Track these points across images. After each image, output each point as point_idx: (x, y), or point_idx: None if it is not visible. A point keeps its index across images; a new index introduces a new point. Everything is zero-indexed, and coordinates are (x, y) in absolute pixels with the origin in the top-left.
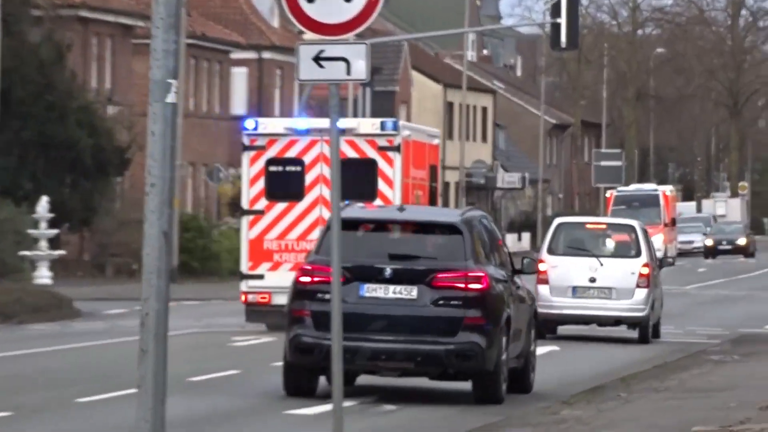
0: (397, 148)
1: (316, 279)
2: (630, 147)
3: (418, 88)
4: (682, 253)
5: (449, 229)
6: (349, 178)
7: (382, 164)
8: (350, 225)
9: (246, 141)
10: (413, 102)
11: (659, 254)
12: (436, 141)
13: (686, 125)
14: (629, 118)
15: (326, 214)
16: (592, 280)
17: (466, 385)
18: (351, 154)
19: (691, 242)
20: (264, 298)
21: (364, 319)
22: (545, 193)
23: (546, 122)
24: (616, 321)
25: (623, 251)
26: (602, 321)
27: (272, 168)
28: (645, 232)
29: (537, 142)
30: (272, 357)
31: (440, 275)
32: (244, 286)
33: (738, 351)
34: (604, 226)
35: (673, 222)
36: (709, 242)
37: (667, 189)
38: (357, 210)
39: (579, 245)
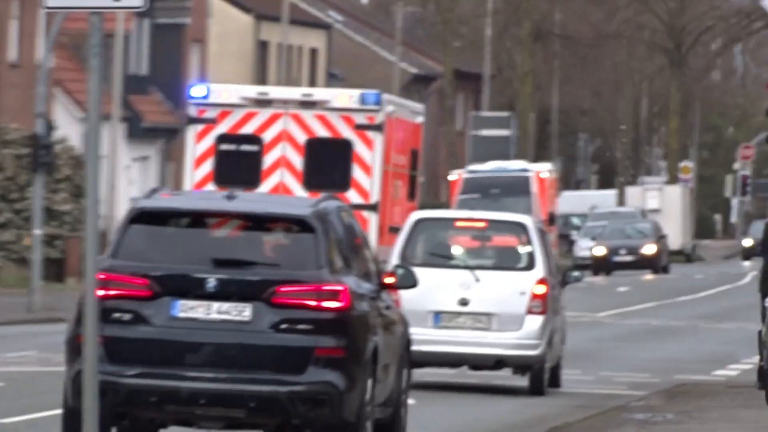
0: (378, 127)
1: (112, 293)
2: (524, 109)
3: (219, 20)
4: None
5: (297, 225)
6: (317, 163)
7: (359, 146)
8: (158, 218)
9: (193, 112)
10: (211, 40)
11: None
12: (419, 119)
13: (606, 79)
14: (524, 67)
15: None
16: (464, 302)
17: None
18: (321, 132)
19: None
20: None
21: (176, 348)
22: None
23: (403, 72)
24: (498, 362)
25: (509, 261)
26: (477, 362)
27: (224, 146)
28: (542, 234)
29: None
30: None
31: (283, 289)
32: None
33: (673, 408)
34: (482, 224)
35: (551, 219)
36: (600, 250)
37: (544, 169)
38: (169, 198)
39: (445, 252)
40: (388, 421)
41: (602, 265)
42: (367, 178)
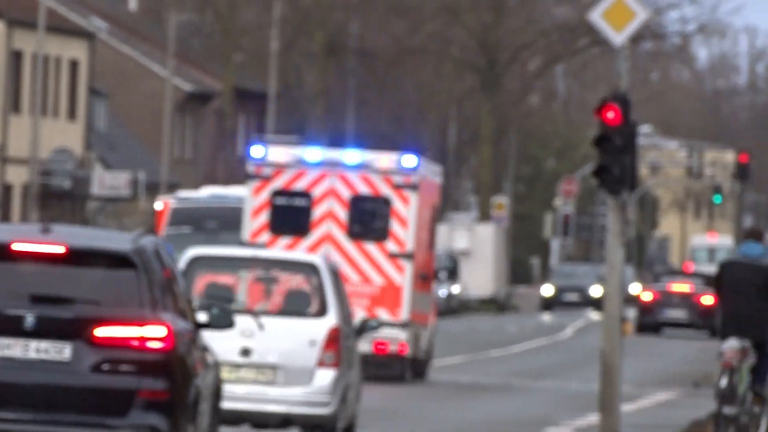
0: (414, 187)
1: None
2: (314, 133)
3: None
4: None
5: (118, 260)
6: (359, 215)
7: (396, 203)
8: None
9: (251, 169)
10: None
11: None
12: (438, 179)
13: (409, 101)
14: (315, 85)
15: (333, 252)
16: (246, 352)
17: None
18: (363, 190)
19: None
20: None
21: None
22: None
23: (176, 89)
24: (284, 421)
25: (297, 306)
26: (261, 420)
27: (278, 201)
28: (335, 276)
29: (160, 122)
30: None
31: (104, 327)
32: None
33: None
34: (267, 263)
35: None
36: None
37: None
38: None
39: (225, 295)
40: None
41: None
42: (403, 230)
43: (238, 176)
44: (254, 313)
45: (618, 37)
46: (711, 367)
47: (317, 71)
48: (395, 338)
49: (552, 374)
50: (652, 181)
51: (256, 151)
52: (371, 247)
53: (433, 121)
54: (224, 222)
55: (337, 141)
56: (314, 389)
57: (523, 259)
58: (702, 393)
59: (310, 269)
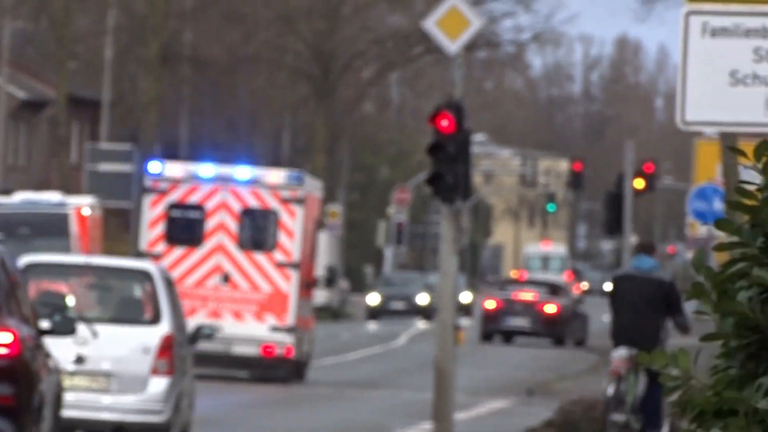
0: (300, 201)
1: None
2: (149, 142)
3: None
4: None
5: None
6: (249, 227)
7: (284, 216)
8: None
9: (148, 183)
10: None
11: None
12: (319, 193)
13: (243, 109)
14: (149, 92)
15: (224, 262)
16: (80, 360)
17: None
18: (252, 203)
19: None
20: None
21: None
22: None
23: (10, 96)
24: (118, 428)
25: (130, 313)
26: (94, 427)
27: (173, 213)
28: (169, 284)
29: None
30: None
31: None
32: None
33: None
34: (99, 270)
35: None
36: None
37: (85, 204)
38: None
39: (57, 302)
40: None
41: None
42: (290, 241)
43: (72, 184)
44: (88, 321)
45: (452, 46)
46: (545, 375)
47: (151, 79)
48: (282, 342)
49: (385, 383)
50: (486, 189)
51: (154, 166)
52: (260, 257)
53: (267, 129)
54: (37, 228)
55: (170, 149)
56: (147, 397)
57: (356, 267)
58: (536, 401)
59: (143, 276)
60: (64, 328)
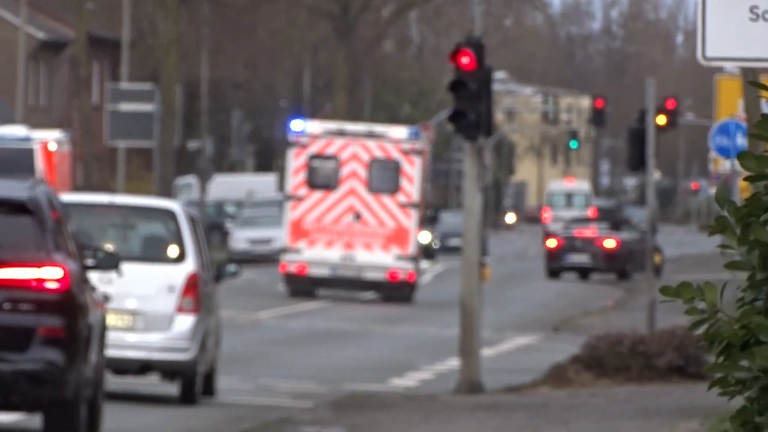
0: (419, 152)
1: None
2: (169, 82)
3: None
4: (250, 260)
5: (15, 207)
6: (376, 174)
7: (405, 164)
8: None
9: (292, 138)
10: None
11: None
12: (428, 147)
13: (263, 48)
14: (168, 34)
15: (356, 203)
16: (106, 298)
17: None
18: (378, 154)
19: (267, 240)
20: (301, 269)
21: None
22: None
23: (30, 37)
24: (143, 366)
25: (155, 252)
26: (120, 366)
27: (314, 162)
28: (194, 223)
29: (14, 70)
30: None
31: (4, 269)
32: (285, 258)
33: (343, 421)
34: (124, 210)
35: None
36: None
37: (52, 138)
38: None
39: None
40: (90, 400)
41: None
42: (410, 186)
43: (94, 124)
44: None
45: None
46: (570, 311)
47: (171, 19)
48: (405, 268)
49: (411, 320)
50: (508, 127)
51: (296, 125)
52: (386, 199)
53: (287, 68)
54: (1, 164)
55: (191, 88)
56: (173, 335)
57: None
58: (562, 337)
59: (167, 216)
60: (108, 263)
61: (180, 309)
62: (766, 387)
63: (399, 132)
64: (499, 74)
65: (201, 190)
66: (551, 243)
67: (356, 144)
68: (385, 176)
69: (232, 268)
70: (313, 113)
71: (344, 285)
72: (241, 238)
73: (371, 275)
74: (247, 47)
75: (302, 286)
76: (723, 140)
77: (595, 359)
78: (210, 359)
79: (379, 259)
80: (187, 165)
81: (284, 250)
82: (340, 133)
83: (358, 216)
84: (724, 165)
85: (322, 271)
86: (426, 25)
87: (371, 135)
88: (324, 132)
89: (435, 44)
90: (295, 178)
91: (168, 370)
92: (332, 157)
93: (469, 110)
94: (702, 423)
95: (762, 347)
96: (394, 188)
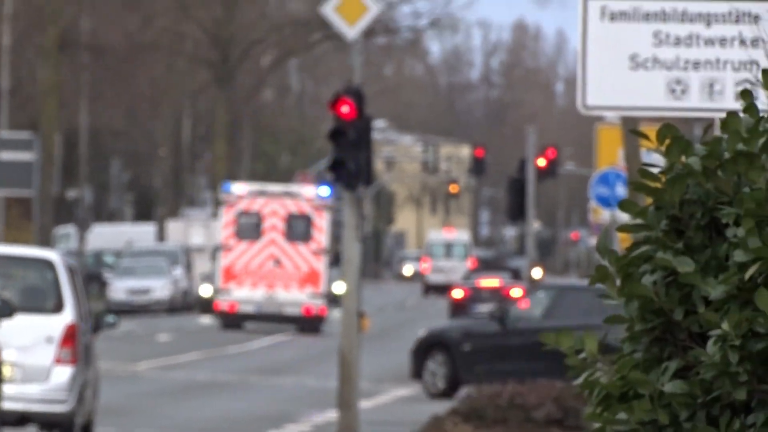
0: (328, 207)
1: None
2: (48, 130)
3: None
4: (129, 310)
5: None
6: (292, 226)
7: (315, 218)
8: None
9: (222, 197)
10: None
11: None
12: (332, 201)
13: (143, 96)
14: (47, 81)
15: (276, 251)
16: None
17: None
18: (293, 209)
19: (146, 291)
20: (232, 307)
21: None
22: None
23: None
24: (21, 419)
25: (34, 301)
26: None
27: (241, 218)
28: (73, 272)
29: None
30: None
31: None
32: (218, 297)
33: None
34: (2, 259)
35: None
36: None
37: None
38: None
39: None
40: None
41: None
42: (320, 235)
43: None
44: None
45: (351, 31)
46: None
47: (50, 66)
48: (317, 304)
49: (291, 370)
50: (388, 176)
51: (227, 186)
52: (301, 247)
53: (167, 115)
54: None
55: (70, 136)
56: (51, 387)
57: None
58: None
59: (45, 265)
60: (2, 312)
61: (58, 360)
62: None
63: (310, 191)
64: (378, 123)
65: (80, 239)
66: (457, 294)
67: (275, 202)
68: (299, 228)
69: (110, 318)
70: (193, 161)
71: (267, 319)
72: (119, 288)
73: (290, 310)
74: (126, 94)
75: (232, 321)
76: (603, 190)
77: (474, 411)
78: (88, 411)
79: (295, 296)
80: (66, 214)
81: (217, 291)
82: (262, 193)
83: (277, 261)
84: (604, 215)
85: (248, 308)
86: (306, 73)
87: (288, 194)
88: (248, 192)
89: (315, 92)
90: (225, 231)
91: (46, 422)
92: (255, 213)
93: (349, 159)
94: None
95: (640, 401)
96: (307, 237)
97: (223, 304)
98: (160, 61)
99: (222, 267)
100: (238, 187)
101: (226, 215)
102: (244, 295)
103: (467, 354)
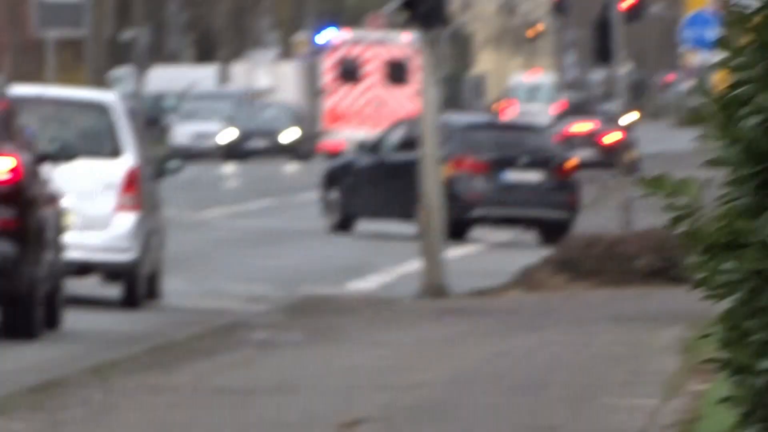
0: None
1: None
2: None
3: None
4: (192, 155)
5: None
6: (391, 71)
7: (411, 62)
8: None
9: (324, 44)
10: None
11: None
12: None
13: None
14: None
15: (377, 94)
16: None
17: None
18: (390, 54)
19: (208, 135)
20: (337, 146)
21: None
22: None
23: None
24: (82, 268)
25: (91, 147)
26: None
27: (342, 62)
28: (132, 115)
29: None
30: None
31: None
32: (323, 138)
33: (300, 326)
34: (54, 103)
35: None
36: (229, 135)
37: None
38: None
39: None
40: (49, 295)
41: (232, 152)
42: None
43: (22, 15)
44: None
45: None
46: None
47: None
48: None
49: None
50: (465, 17)
51: (324, 35)
52: (399, 90)
53: None
54: None
55: None
56: (113, 235)
57: None
58: (531, 237)
59: (101, 107)
60: (67, 153)
61: (119, 207)
62: (756, 289)
63: (406, 37)
64: None
65: (137, 81)
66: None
67: (374, 48)
68: (397, 72)
69: (174, 163)
70: (255, 1)
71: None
72: (182, 133)
73: None
74: None
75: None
76: (694, 32)
77: (569, 262)
78: (154, 260)
79: None
80: (120, 56)
81: (322, 133)
82: (361, 40)
83: (380, 103)
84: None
85: None
86: None
87: (385, 40)
88: (350, 38)
89: None
90: (328, 75)
91: (108, 272)
92: (355, 58)
93: None
94: (686, 329)
95: (749, 250)
96: (404, 81)
97: (328, 144)
98: None
99: (326, 109)
100: (340, 34)
101: (328, 60)
102: (349, 135)
103: None
